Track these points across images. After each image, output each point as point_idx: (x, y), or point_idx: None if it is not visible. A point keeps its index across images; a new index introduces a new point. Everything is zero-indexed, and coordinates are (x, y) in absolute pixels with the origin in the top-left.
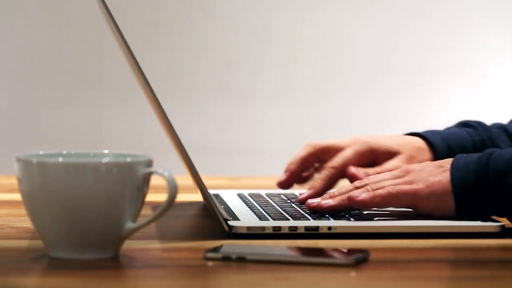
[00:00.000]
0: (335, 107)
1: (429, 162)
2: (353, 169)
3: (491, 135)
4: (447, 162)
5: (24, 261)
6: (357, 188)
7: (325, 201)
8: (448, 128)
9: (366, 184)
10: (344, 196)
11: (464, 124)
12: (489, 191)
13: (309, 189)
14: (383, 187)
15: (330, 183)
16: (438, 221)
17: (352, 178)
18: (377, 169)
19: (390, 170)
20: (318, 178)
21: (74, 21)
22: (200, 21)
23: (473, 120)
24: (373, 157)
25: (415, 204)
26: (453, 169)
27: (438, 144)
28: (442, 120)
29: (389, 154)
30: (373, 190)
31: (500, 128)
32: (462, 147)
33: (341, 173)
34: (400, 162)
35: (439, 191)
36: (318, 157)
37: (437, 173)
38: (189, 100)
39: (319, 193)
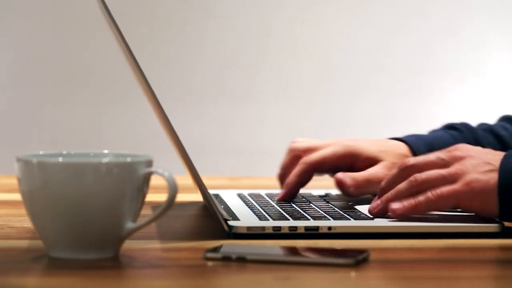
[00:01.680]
0: (335, 107)
1: (478, 149)
2: (340, 175)
3: (476, 136)
4: (496, 160)
5: (24, 261)
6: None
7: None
8: (433, 131)
9: (413, 180)
10: (385, 206)
11: (450, 127)
12: None
13: (284, 187)
14: (427, 189)
15: (302, 178)
16: (438, 221)
17: (339, 184)
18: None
19: (376, 177)
20: (292, 175)
21: (74, 21)
22: (200, 21)
23: (458, 123)
24: (353, 162)
25: (458, 204)
26: (501, 172)
27: (420, 151)
28: (442, 120)
29: (370, 161)
30: (418, 184)
31: (486, 130)
32: None
33: (314, 169)
34: (382, 169)
35: (484, 192)
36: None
37: (483, 172)
38: (189, 100)
39: (292, 189)
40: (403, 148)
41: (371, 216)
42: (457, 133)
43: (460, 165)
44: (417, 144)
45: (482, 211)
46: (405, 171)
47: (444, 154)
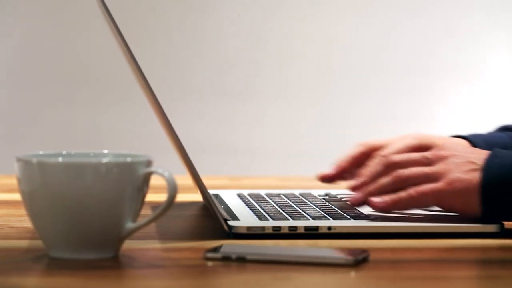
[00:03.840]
0: (335, 107)
1: (463, 149)
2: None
3: None
4: (481, 159)
5: (24, 261)
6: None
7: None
8: (489, 133)
9: (396, 176)
10: (366, 199)
11: (505, 128)
12: None
13: (359, 177)
14: (410, 186)
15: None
16: (438, 221)
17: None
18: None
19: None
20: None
21: (74, 21)
22: (200, 21)
23: None
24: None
25: (440, 203)
26: (485, 171)
27: (482, 148)
28: (442, 119)
29: None
30: (400, 180)
31: None
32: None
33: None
34: None
35: (466, 191)
36: (370, 156)
37: (466, 171)
38: (189, 100)
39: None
40: (465, 143)
41: (371, 217)
42: None
43: (443, 164)
44: (477, 141)
45: (464, 210)
46: (389, 167)
47: (429, 153)
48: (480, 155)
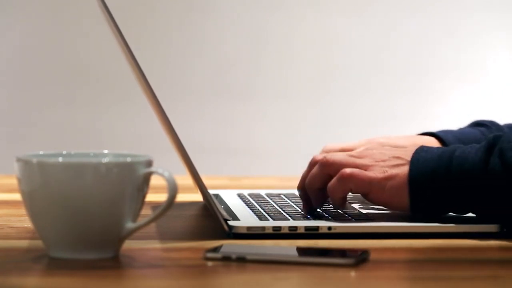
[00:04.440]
0: (335, 107)
1: (388, 146)
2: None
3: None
4: (407, 154)
5: (24, 261)
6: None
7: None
8: (461, 128)
9: (323, 161)
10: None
11: (477, 124)
12: (447, 191)
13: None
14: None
15: None
16: (438, 221)
17: None
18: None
19: None
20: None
21: (74, 21)
22: (200, 21)
23: (486, 120)
24: None
25: (369, 192)
26: (412, 165)
27: (451, 144)
28: (442, 119)
29: None
30: (327, 162)
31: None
32: None
33: None
34: None
35: (393, 186)
36: None
37: (392, 166)
38: (189, 100)
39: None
40: (434, 142)
41: (370, 216)
42: (485, 129)
43: (371, 159)
44: (448, 137)
45: (391, 204)
46: (315, 166)
47: (355, 152)
48: (408, 151)
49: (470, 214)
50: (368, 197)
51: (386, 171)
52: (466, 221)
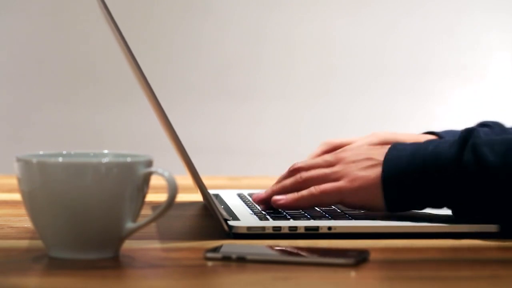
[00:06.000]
0: (334, 107)
1: (362, 148)
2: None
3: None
4: (380, 154)
5: (24, 261)
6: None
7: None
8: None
9: (297, 177)
10: (268, 198)
11: (482, 125)
12: (421, 187)
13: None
14: (309, 186)
15: None
16: (438, 221)
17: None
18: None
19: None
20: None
21: (74, 20)
22: (200, 21)
23: (490, 121)
24: None
25: (342, 200)
26: (385, 165)
27: None
28: (441, 119)
29: None
30: (302, 180)
31: None
32: None
33: None
34: None
35: (366, 186)
36: None
37: (366, 167)
38: (189, 100)
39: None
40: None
41: (370, 216)
42: (489, 129)
43: (343, 164)
44: (450, 137)
45: (366, 205)
46: (293, 173)
47: (330, 156)
48: (381, 151)
49: (446, 210)
50: (344, 205)
51: (356, 175)
52: (466, 221)
